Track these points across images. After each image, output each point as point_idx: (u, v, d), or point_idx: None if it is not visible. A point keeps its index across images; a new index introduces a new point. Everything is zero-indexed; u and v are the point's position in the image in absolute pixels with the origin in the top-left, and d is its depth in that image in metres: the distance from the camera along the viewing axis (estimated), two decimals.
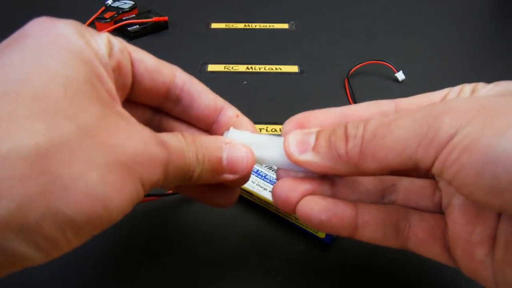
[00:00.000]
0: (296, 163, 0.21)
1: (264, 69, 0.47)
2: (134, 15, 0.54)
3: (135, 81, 0.22)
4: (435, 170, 0.17)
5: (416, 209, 0.22)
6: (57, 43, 0.17)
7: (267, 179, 0.30)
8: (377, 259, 0.27)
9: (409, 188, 0.22)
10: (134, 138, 0.17)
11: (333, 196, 0.22)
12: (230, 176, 0.22)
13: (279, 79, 0.45)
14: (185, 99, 0.23)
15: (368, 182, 0.23)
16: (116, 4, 0.56)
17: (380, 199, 0.23)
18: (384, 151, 0.18)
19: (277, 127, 0.38)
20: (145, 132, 0.18)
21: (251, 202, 0.30)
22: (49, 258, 0.16)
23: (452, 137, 0.16)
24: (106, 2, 0.57)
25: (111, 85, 0.18)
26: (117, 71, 0.20)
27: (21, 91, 0.15)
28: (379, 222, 0.21)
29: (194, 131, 0.25)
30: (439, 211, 0.21)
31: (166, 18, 0.54)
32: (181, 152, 0.20)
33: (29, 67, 0.16)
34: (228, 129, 0.24)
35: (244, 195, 0.30)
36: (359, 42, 0.52)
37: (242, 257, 0.27)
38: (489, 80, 0.21)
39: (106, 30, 0.52)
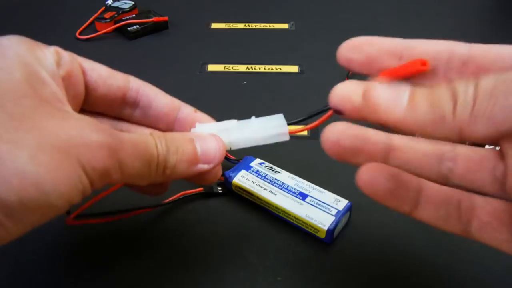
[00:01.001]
0: (382, 123, 0.18)
1: (264, 69, 0.47)
2: (134, 15, 0.54)
3: (90, 88, 0.22)
4: None
5: (472, 186, 0.19)
6: None
7: (267, 179, 0.30)
8: (377, 259, 0.27)
9: (470, 156, 0.20)
10: (69, 124, 0.17)
11: (388, 150, 0.20)
12: (205, 166, 0.22)
13: (279, 79, 0.45)
14: (142, 101, 0.24)
15: (428, 143, 0.20)
16: (116, 4, 0.56)
17: (437, 164, 0.20)
18: (504, 111, 0.15)
19: None
20: (85, 121, 0.18)
21: (251, 202, 0.30)
22: None
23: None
24: (106, 2, 0.57)
25: (54, 88, 0.19)
26: (67, 79, 0.20)
27: None
28: (442, 199, 0.19)
29: None
30: (500, 189, 0.18)
31: (166, 18, 0.54)
32: (141, 142, 0.20)
33: None
34: (192, 126, 0.25)
35: (244, 195, 0.30)
36: None
37: (242, 257, 0.27)
38: None
39: (106, 30, 0.52)
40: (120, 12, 0.55)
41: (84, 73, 0.22)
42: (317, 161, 0.35)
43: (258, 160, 0.32)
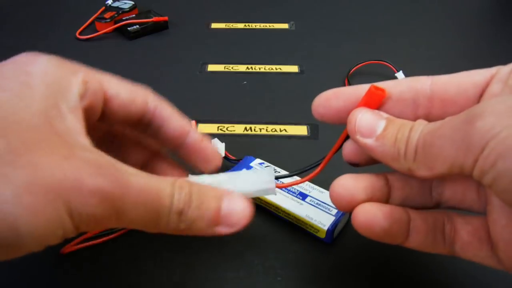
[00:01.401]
0: (358, 144, 0.21)
1: (264, 69, 0.47)
2: (134, 15, 0.54)
3: (108, 114, 0.22)
4: (475, 176, 0.16)
5: (462, 206, 0.22)
6: (20, 78, 0.18)
7: None
8: (377, 259, 0.27)
9: (455, 179, 0.22)
10: (69, 163, 0.17)
11: (388, 191, 0.22)
12: (224, 230, 0.20)
13: (279, 79, 0.45)
14: (155, 122, 0.24)
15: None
16: (116, 4, 0.56)
17: (429, 192, 0.22)
18: (432, 161, 0.18)
19: (277, 127, 0.38)
20: (89, 161, 0.17)
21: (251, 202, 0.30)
22: None
23: (487, 142, 0.15)
24: (106, 2, 0.57)
25: (71, 123, 0.18)
26: (86, 112, 0.20)
27: None
28: (429, 226, 0.21)
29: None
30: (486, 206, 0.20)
31: (166, 18, 0.54)
32: (150, 190, 0.18)
33: None
34: (197, 152, 0.26)
35: None
36: (359, 42, 0.52)
37: (242, 257, 0.27)
38: None
39: (106, 30, 0.52)
40: (120, 12, 0.55)
41: (106, 101, 0.22)
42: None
43: (258, 160, 0.32)
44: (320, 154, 0.23)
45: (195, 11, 0.59)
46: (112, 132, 0.26)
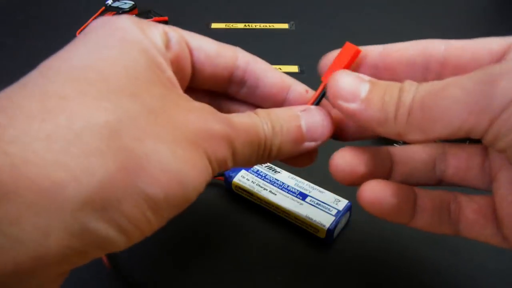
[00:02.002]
0: (340, 109, 0.19)
1: None
2: (134, 15, 0.54)
3: (196, 69, 0.21)
4: (487, 139, 0.16)
5: (465, 183, 0.21)
6: (116, 35, 0.18)
7: (267, 179, 0.30)
8: (377, 259, 0.27)
9: (459, 155, 0.21)
10: (194, 115, 0.17)
11: (390, 166, 0.22)
12: (312, 144, 0.21)
13: None
14: (250, 80, 0.22)
15: (422, 150, 0.22)
16: (116, 4, 0.56)
17: (432, 168, 0.21)
18: (431, 123, 0.17)
19: None
20: (205, 110, 0.18)
21: (251, 202, 0.30)
22: (131, 242, 0.16)
23: (509, 104, 0.15)
24: (106, 2, 0.57)
25: (170, 73, 0.18)
26: (175, 63, 0.20)
27: (88, 76, 0.16)
28: (435, 205, 0.20)
29: None
30: (490, 182, 0.20)
31: (166, 18, 0.54)
32: (251, 128, 0.19)
33: (93, 56, 0.17)
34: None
35: (244, 195, 0.31)
36: (359, 42, 0.52)
37: (241, 257, 0.27)
38: None
39: None
40: (120, 12, 0.55)
41: (191, 53, 0.21)
42: (317, 161, 0.35)
43: None
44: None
45: (195, 11, 0.59)
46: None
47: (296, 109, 0.21)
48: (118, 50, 0.17)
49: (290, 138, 0.20)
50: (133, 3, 0.56)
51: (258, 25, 0.56)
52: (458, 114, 0.16)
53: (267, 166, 0.32)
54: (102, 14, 0.54)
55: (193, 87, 0.22)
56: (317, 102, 0.21)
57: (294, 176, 0.31)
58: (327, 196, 0.29)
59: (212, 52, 0.22)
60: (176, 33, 0.20)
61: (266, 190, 0.30)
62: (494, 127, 0.15)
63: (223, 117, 0.18)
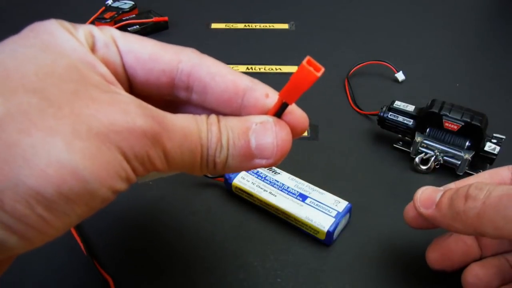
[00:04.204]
0: (422, 216, 0.24)
1: (264, 69, 0.47)
2: (134, 15, 0.54)
3: (130, 74, 0.20)
4: None
5: None
6: (40, 37, 0.17)
7: (267, 180, 0.30)
8: (376, 259, 0.27)
9: None
10: (114, 108, 0.16)
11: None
12: (262, 162, 0.19)
13: (279, 79, 0.45)
14: (196, 86, 0.20)
15: None
16: (116, 4, 0.56)
17: None
18: (504, 221, 0.19)
19: None
20: (132, 104, 0.17)
21: (251, 203, 0.30)
22: (32, 244, 0.15)
23: None
24: (106, 2, 0.57)
25: (103, 70, 0.18)
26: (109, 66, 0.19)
27: None
28: None
29: None
30: None
31: (166, 18, 0.54)
32: (190, 132, 0.18)
33: (6, 54, 0.16)
34: (264, 112, 0.20)
35: (244, 196, 0.31)
36: (359, 42, 0.52)
37: (242, 258, 0.27)
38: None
39: None
40: (120, 12, 0.55)
41: (121, 57, 0.19)
42: (317, 162, 0.35)
43: None
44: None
45: (195, 11, 0.59)
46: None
47: (251, 121, 0.19)
48: (36, 50, 0.17)
49: (237, 153, 0.19)
50: (133, 3, 0.56)
51: (258, 25, 0.56)
52: None
53: (266, 169, 0.31)
54: (102, 14, 0.54)
55: (139, 94, 0.20)
56: (278, 115, 0.20)
57: (294, 178, 0.31)
58: (327, 198, 0.29)
59: (144, 56, 0.20)
60: (104, 35, 0.19)
61: (266, 191, 0.30)
62: None
63: (153, 114, 0.17)
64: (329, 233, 0.27)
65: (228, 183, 0.31)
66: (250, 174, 0.31)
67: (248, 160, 0.19)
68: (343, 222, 0.29)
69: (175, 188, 0.32)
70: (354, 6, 0.61)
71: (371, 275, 0.27)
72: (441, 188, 0.24)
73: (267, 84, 0.21)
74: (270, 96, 0.20)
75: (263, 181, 0.30)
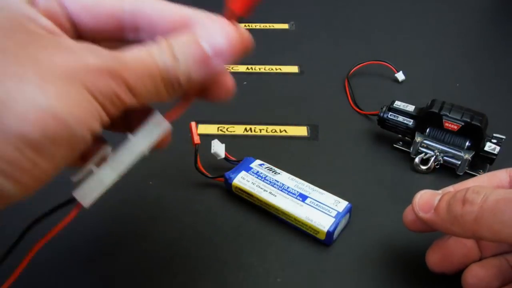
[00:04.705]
0: (420, 219, 0.24)
1: (264, 69, 0.47)
2: None
3: (77, 23, 0.20)
4: None
5: None
6: None
7: (267, 180, 0.30)
8: (376, 259, 0.27)
9: None
10: (65, 52, 0.17)
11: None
12: (221, 62, 0.20)
13: (279, 79, 0.45)
14: (144, 24, 0.21)
15: None
16: None
17: None
18: (501, 226, 0.19)
19: (277, 127, 0.38)
20: (81, 46, 0.17)
21: (251, 203, 0.30)
22: (27, 189, 0.15)
23: None
24: None
25: (45, 22, 0.18)
26: (48, 19, 0.19)
27: None
28: None
29: None
30: None
31: None
32: (146, 59, 0.18)
33: None
34: None
35: (244, 196, 0.31)
36: (359, 42, 0.52)
37: (241, 258, 0.27)
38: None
39: None
40: None
41: (64, 6, 0.20)
42: (317, 162, 0.35)
43: (258, 161, 0.32)
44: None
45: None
46: None
47: (195, 30, 0.20)
48: None
49: (195, 61, 0.19)
50: None
51: (258, 25, 0.56)
52: None
53: (267, 167, 0.32)
54: None
55: (88, 38, 0.21)
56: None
57: (294, 178, 0.31)
58: (327, 198, 0.29)
59: (88, 2, 0.20)
60: None
61: (266, 191, 0.30)
62: None
63: (105, 53, 0.17)
64: (329, 233, 0.27)
65: (228, 183, 0.31)
66: (250, 174, 0.31)
67: (207, 64, 0.19)
68: (343, 222, 0.29)
69: (175, 188, 0.32)
70: (354, 6, 0.61)
71: (371, 275, 0.27)
72: (439, 191, 0.24)
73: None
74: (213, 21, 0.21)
75: (263, 181, 0.30)
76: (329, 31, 0.54)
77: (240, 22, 0.20)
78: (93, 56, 0.17)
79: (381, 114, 0.36)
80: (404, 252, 0.28)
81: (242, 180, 0.30)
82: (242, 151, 0.34)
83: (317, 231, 0.27)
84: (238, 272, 0.27)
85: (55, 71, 0.16)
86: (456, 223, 0.22)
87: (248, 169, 0.31)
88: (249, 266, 0.27)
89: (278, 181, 0.30)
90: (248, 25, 0.56)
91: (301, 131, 0.38)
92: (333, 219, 0.28)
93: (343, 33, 0.54)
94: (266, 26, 0.56)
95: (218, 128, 0.38)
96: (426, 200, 0.24)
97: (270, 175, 0.31)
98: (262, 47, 0.51)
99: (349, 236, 0.29)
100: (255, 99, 0.42)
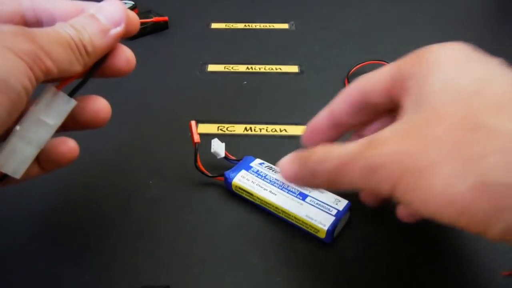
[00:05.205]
0: (287, 181, 0.25)
1: (264, 69, 0.47)
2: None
3: None
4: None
5: None
6: None
7: (267, 179, 0.30)
8: (377, 258, 0.27)
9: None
10: None
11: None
12: (118, 29, 0.23)
13: (279, 79, 0.45)
14: (44, 16, 0.24)
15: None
16: None
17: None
18: (344, 184, 0.21)
19: (277, 127, 0.38)
20: None
21: (251, 203, 0.30)
22: None
23: (392, 193, 0.19)
24: None
25: None
26: None
27: None
28: None
29: None
30: None
31: (166, 18, 0.54)
32: (52, 30, 0.21)
33: None
34: None
35: (244, 195, 0.31)
36: (359, 42, 0.52)
37: (241, 257, 0.27)
38: None
39: None
40: None
41: None
42: None
43: (258, 160, 0.32)
44: None
45: (195, 11, 0.59)
46: None
47: (90, 11, 0.23)
48: None
49: (96, 31, 0.22)
50: (133, 3, 0.56)
51: (258, 25, 0.56)
52: (361, 186, 0.21)
53: (267, 166, 0.32)
54: None
55: None
56: None
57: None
58: (327, 196, 0.29)
59: None
60: None
61: (266, 190, 0.30)
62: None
63: (16, 25, 0.20)
64: (329, 232, 0.27)
65: (228, 182, 0.31)
66: (250, 173, 0.31)
67: (107, 33, 0.23)
68: (343, 221, 0.29)
69: (175, 188, 0.32)
70: (354, 6, 0.61)
71: (371, 273, 0.27)
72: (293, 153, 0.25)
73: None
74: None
75: (263, 180, 0.30)
76: (329, 31, 0.54)
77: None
78: (5, 25, 0.19)
79: None
80: (404, 250, 0.28)
81: (242, 179, 0.30)
82: (242, 151, 0.34)
83: (317, 229, 0.27)
84: (238, 271, 0.27)
85: None
86: (315, 186, 0.25)
87: (248, 168, 0.31)
88: (248, 265, 0.27)
89: (278, 180, 0.30)
90: (248, 25, 0.56)
91: (301, 130, 0.38)
92: (333, 218, 0.28)
93: (343, 33, 0.54)
94: (266, 26, 0.56)
95: (218, 127, 0.38)
96: (288, 170, 0.24)
97: (270, 173, 0.31)
98: (262, 47, 0.51)
99: (349, 234, 0.29)
100: (255, 98, 0.42)
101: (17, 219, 0.30)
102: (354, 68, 0.45)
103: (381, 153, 0.19)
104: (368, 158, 0.20)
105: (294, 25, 0.56)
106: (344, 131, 0.27)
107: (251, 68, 0.47)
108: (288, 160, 0.25)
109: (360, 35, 0.54)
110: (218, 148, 0.32)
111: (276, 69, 0.47)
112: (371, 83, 0.25)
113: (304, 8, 0.60)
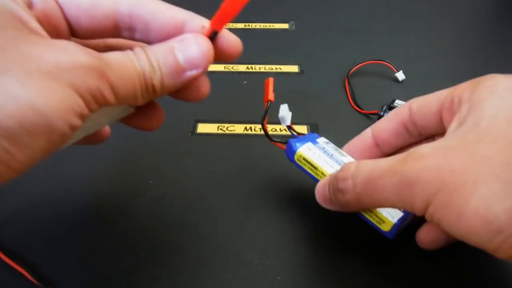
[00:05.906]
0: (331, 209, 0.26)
1: (264, 69, 0.47)
2: None
3: (73, 24, 0.21)
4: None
5: None
6: None
7: (334, 158, 0.28)
8: (377, 258, 0.27)
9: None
10: (56, 49, 0.17)
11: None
12: (194, 72, 0.21)
13: (279, 79, 0.45)
14: (139, 25, 0.22)
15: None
16: None
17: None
18: (378, 202, 0.22)
19: (277, 127, 0.38)
20: (70, 45, 0.18)
21: (310, 176, 0.28)
22: (1, 177, 0.16)
23: (425, 209, 0.19)
24: None
25: (35, 25, 0.19)
26: (44, 21, 0.20)
27: None
28: None
29: None
30: None
31: None
32: (125, 62, 0.20)
33: None
34: None
35: (306, 167, 0.28)
36: (359, 42, 0.52)
37: (242, 256, 0.27)
38: None
39: None
40: None
41: (61, 8, 0.21)
42: None
43: (323, 139, 0.30)
44: None
45: (195, 11, 0.59)
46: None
47: (171, 42, 0.21)
48: None
49: (169, 71, 0.21)
50: None
51: (258, 25, 0.56)
52: (394, 202, 0.21)
53: (333, 147, 0.29)
54: None
55: (82, 37, 0.22)
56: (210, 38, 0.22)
57: None
58: None
59: (85, 4, 0.21)
60: None
61: (333, 168, 0.27)
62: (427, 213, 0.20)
63: (91, 52, 0.18)
64: (396, 226, 0.24)
65: (292, 150, 0.28)
66: (317, 147, 0.29)
67: (181, 74, 0.21)
68: (405, 223, 0.26)
69: (175, 187, 0.32)
70: (354, 6, 0.61)
71: (372, 273, 0.27)
72: (327, 177, 0.26)
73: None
74: (206, 27, 0.23)
75: (330, 158, 0.28)
76: (329, 31, 0.54)
77: (213, 37, 0.22)
78: (81, 54, 0.18)
79: (381, 113, 0.36)
80: (407, 252, 0.28)
81: (309, 150, 0.28)
82: (242, 150, 0.34)
83: (383, 220, 0.25)
84: (238, 271, 0.27)
85: (43, 67, 0.17)
86: (347, 207, 0.24)
87: (314, 142, 0.29)
88: (249, 264, 0.27)
89: (343, 163, 0.27)
90: (248, 25, 0.56)
91: (302, 130, 0.38)
92: (402, 213, 0.25)
93: (343, 33, 0.54)
94: (266, 26, 0.56)
95: (218, 127, 0.38)
96: (321, 193, 0.25)
97: (336, 154, 0.28)
98: (262, 47, 0.51)
99: (349, 233, 0.29)
100: (255, 98, 0.42)
101: (17, 219, 0.30)
102: (354, 68, 0.45)
103: (419, 167, 0.19)
104: (404, 172, 0.19)
105: (294, 25, 0.56)
106: (381, 155, 0.27)
107: (251, 68, 0.47)
108: (322, 182, 0.25)
109: (360, 35, 0.54)
110: (286, 114, 0.30)
111: (276, 69, 0.47)
112: (424, 104, 0.25)
113: (304, 8, 0.60)
